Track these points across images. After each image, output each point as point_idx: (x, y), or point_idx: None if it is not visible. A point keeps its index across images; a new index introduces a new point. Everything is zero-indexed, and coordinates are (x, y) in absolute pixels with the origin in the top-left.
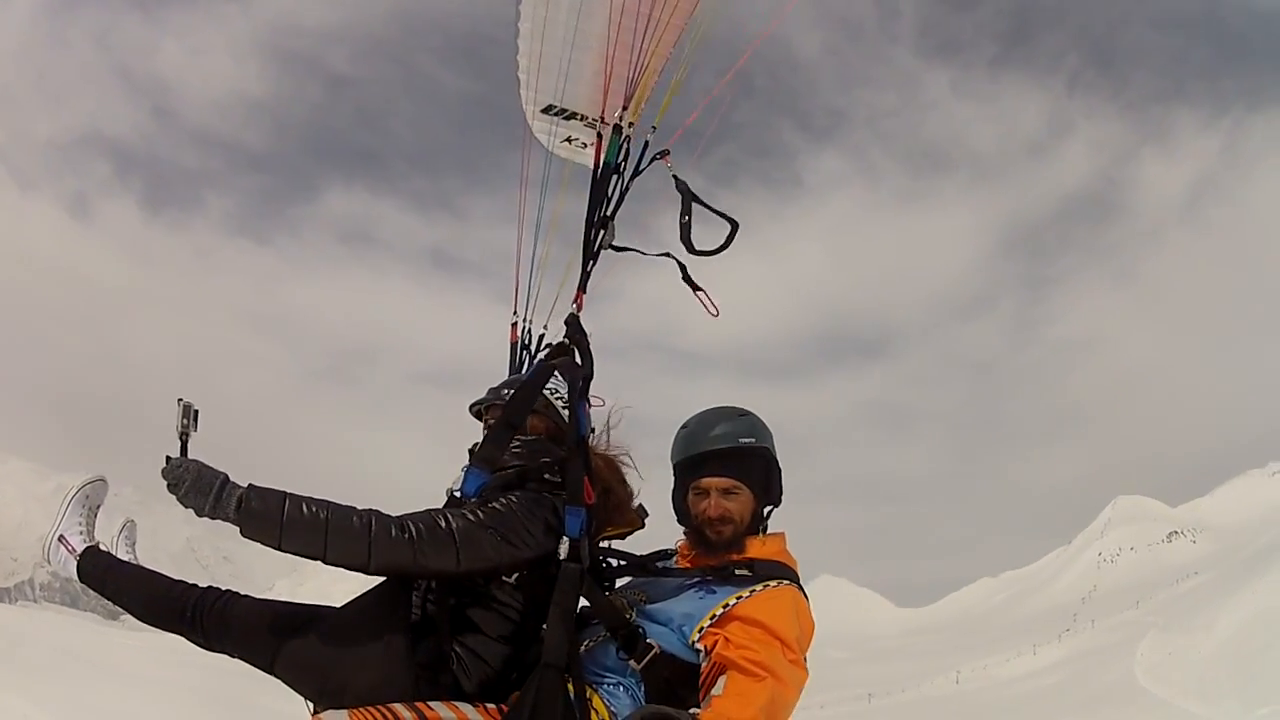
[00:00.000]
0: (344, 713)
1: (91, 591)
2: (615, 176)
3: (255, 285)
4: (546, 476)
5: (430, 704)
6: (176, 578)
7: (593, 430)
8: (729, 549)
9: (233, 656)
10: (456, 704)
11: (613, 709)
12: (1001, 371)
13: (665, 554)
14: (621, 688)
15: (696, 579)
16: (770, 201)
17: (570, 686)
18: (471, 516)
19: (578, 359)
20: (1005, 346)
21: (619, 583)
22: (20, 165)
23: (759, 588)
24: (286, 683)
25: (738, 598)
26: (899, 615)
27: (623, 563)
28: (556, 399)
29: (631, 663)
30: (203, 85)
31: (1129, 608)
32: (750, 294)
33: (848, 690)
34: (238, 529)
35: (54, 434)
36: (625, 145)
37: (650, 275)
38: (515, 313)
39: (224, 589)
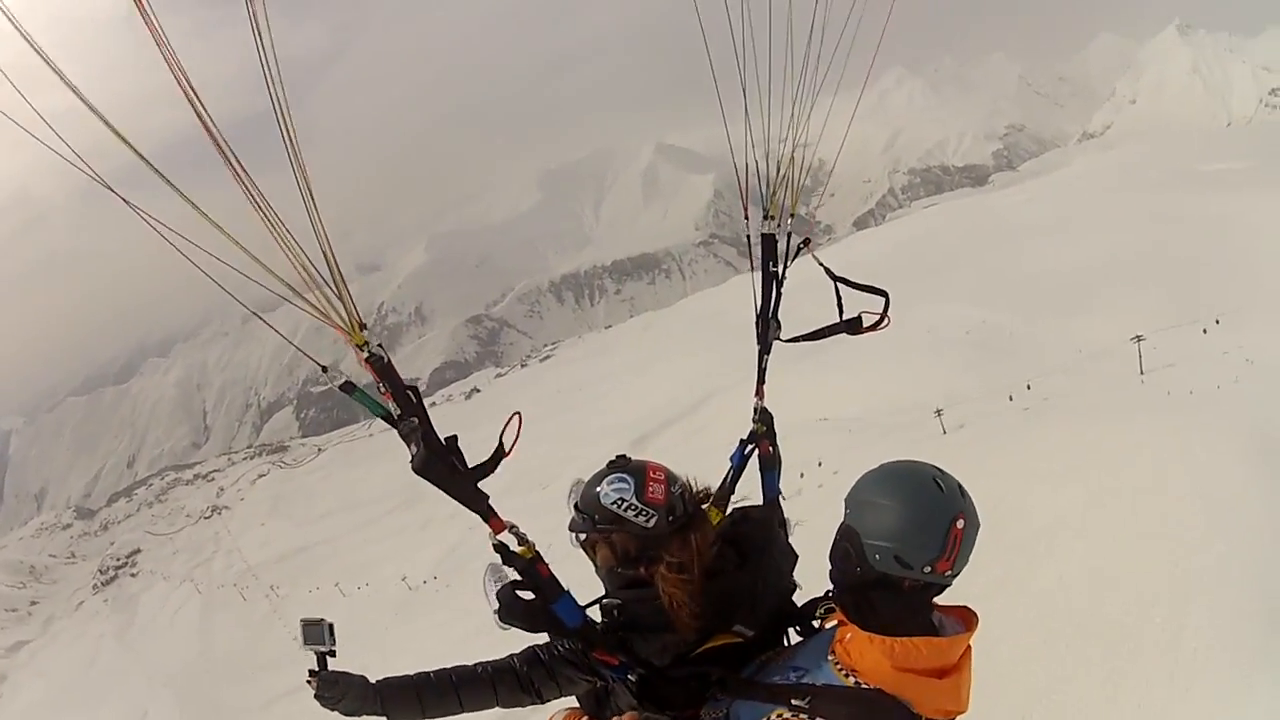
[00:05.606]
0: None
1: None
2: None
3: None
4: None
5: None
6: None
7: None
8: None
9: None
10: None
11: None
12: None
13: (818, 604)
14: None
15: (763, 695)
16: None
17: None
18: (556, 650)
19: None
20: None
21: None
22: None
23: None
24: None
25: (779, 715)
26: None
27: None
28: (627, 510)
29: None
30: None
31: None
32: None
33: None
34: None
35: None
36: None
37: None
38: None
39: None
